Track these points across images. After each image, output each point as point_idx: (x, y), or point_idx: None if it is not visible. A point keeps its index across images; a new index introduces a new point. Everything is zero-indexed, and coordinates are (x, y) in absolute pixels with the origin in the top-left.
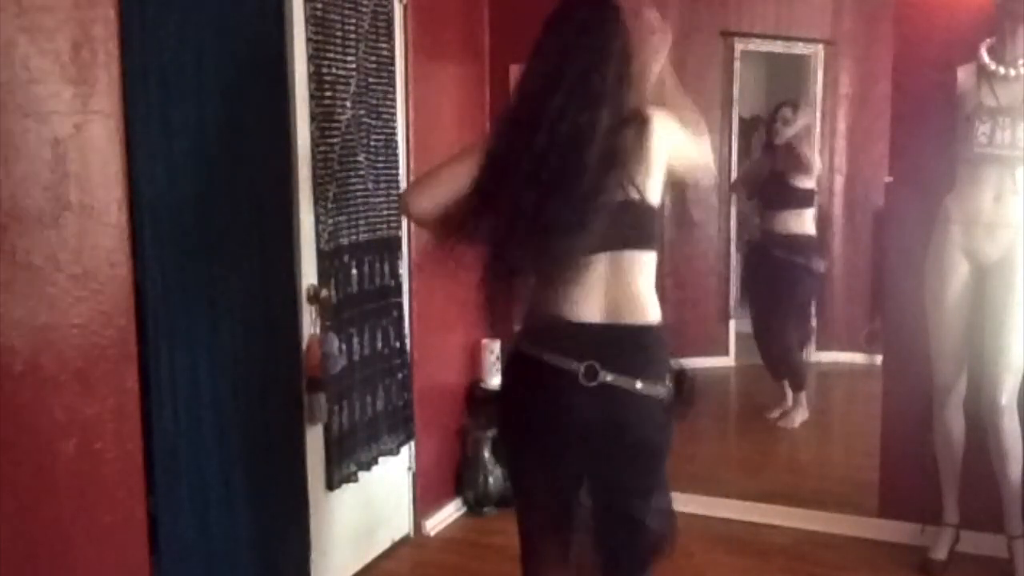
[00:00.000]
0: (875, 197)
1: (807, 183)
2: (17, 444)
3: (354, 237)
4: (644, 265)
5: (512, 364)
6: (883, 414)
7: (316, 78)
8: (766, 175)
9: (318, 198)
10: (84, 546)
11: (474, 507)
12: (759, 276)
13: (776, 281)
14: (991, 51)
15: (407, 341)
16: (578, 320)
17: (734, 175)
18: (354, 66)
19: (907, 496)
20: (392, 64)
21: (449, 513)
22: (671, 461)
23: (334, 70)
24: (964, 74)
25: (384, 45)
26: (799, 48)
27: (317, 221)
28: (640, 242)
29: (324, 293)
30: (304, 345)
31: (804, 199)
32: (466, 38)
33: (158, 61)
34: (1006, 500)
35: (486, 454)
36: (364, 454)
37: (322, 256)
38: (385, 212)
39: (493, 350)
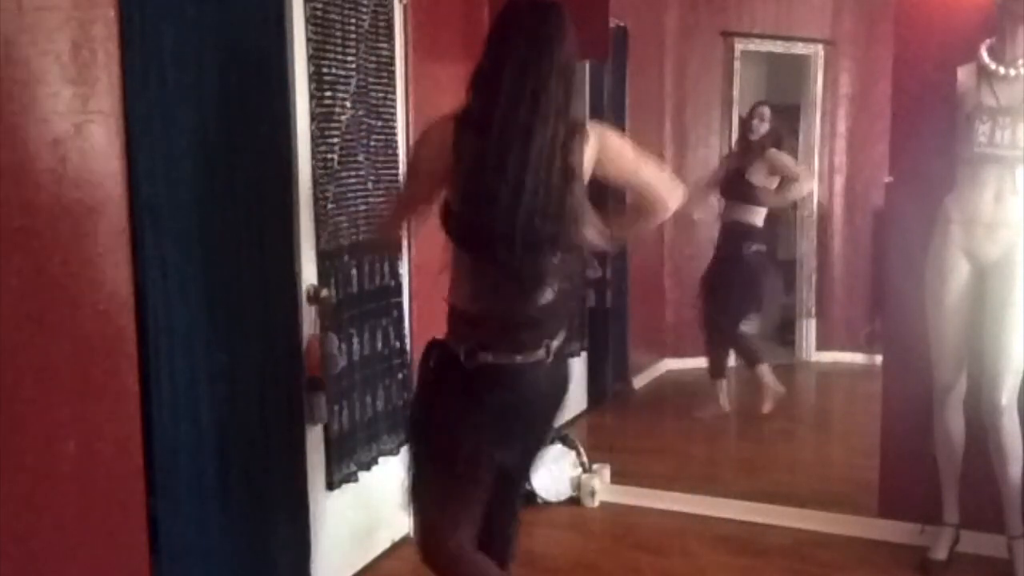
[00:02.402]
0: (875, 197)
1: (765, 182)
2: (17, 444)
3: (354, 237)
4: None
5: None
6: (883, 414)
7: (316, 78)
8: (732, 171)
9: (318, 198)
10: (84, 546)
11: None
12: (712, 266)
13: (722, 267)
14: (991, 51)
15: (407, 341)
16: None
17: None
18: (354, 66)
19: (907, 496)
20: (392, 64)
21: None
22: (672, 460)
23: (334, 70)
24: (964, 74)
25: (384, 45)
26: (799, 48)
27: (317, 221)
28: None
29: (324, 293)
30: (304, 345)
31: (759, 196)
32: (466, 38)
33: (158, 61)
34: (1006, 500)
35: None
36: (364, 454)
37: (322, 256)
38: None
39: None
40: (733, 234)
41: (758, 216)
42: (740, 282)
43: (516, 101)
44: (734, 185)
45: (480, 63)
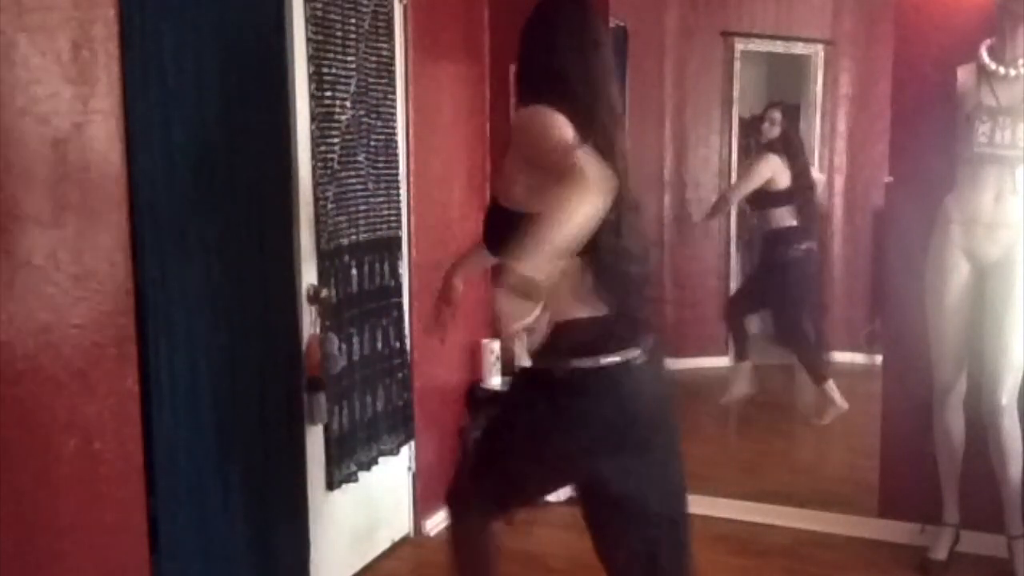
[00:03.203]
0: (875, 197)
1: (781, 185)
2: (17, 444)
3: (354, 237)
4: None
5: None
6: (883, 414)
7: (316, 78)
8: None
9: (318, 198)
10: (84, 546)
11: None
12: (760, 275)
13: (773, 276)
14: (991, 51)
15: (407, 341)
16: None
17: (734, 176)
18: (354, 66)
19: (907, 496)
20: (392, 64)
21: None
22: None
23: (334, 70)
24: (964, 74)
25: (384, 45)
26: (799, 48)
27: (317, 221)
28: None
29: (324, 293)
30: (304, 345)
31: (780, 199)
32: (466, 38)
33: (158, 61)
34: (1006, 500)
35: None
36: (364, 454)
37: (322, 256)
38: (385, 212)
39: (493, 350)
40: (776, 241)
41: (789, 215)
42: (798, 286)
43: (597, 105)
44: (756, 195)
45: (531, 64)
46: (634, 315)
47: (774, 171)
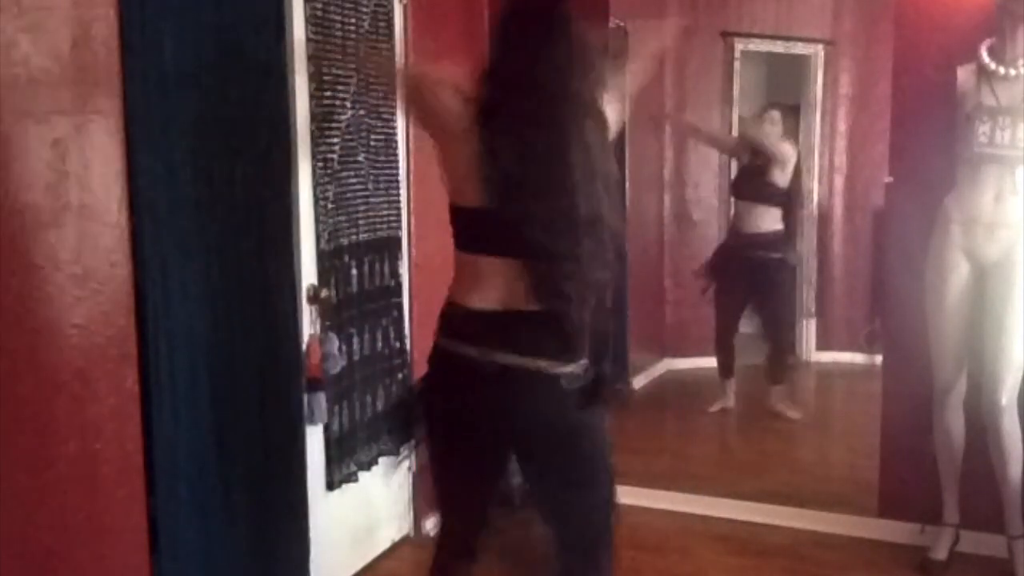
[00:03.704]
0: (875, 197)
1: (780, 181)
2: (17, 444)
3: (354, 237)
4: None
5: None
6: (883, 414)
7: (316, 78)
8: (747, 170)
9: (318, 198)
10: (84, 546)
11: None
12: (734, 274)
13: (751, 278)
14: (991, 51)
15: (407, 341)
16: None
17: (734, 176)
18: (354, 66)
19: (907, 496)
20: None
21: None
22: (672, 460)
23: (334, 70)
24: (964, 74)
25: (384, 45)
26: (799, 48)
27: (317, 221)
28: None
29: (324, 293)
30: (304, 345)
31: (774, 196)
32: (466, 38)
33: (158, 61)
34: (1006, 500)
35: None
36: (364, 454)
37: (322, 256)
38: (385, 212)
39: None
40: (762, 244)
41: (778, 219)
42: (787, 290)
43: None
44: (754, 186)
45: (493, 56)
46: (571, 326)
47: (787, 156)
